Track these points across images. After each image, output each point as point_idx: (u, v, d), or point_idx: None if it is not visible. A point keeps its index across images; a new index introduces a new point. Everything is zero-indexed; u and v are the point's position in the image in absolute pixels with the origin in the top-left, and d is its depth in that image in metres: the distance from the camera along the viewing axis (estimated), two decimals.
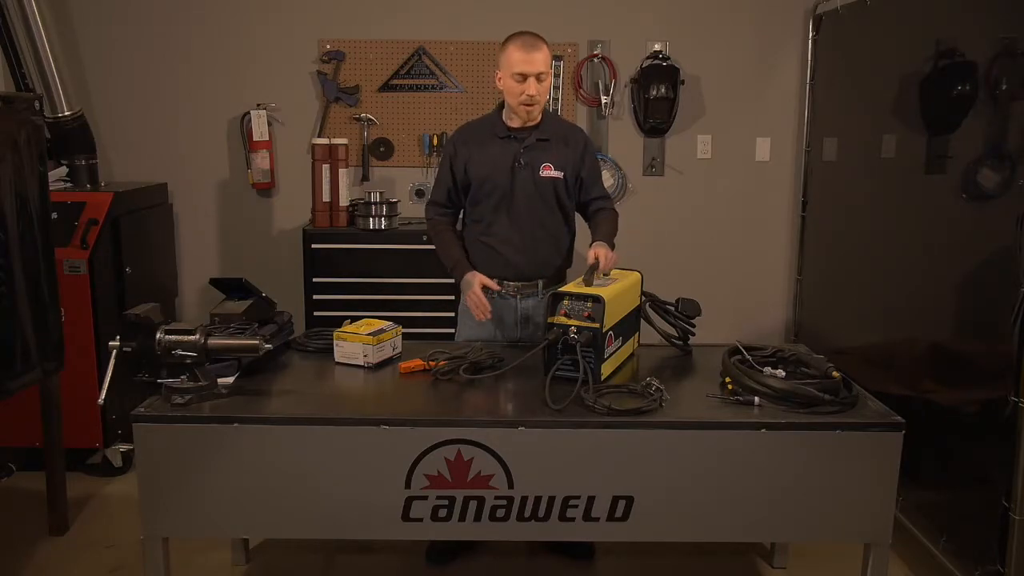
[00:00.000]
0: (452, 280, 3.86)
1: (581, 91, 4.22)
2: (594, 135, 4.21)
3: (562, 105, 4.19)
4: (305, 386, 2.45)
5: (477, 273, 2.76)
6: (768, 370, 2.31)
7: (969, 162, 2.71)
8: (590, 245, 2.70)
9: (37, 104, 3.01)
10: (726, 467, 2.18)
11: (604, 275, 2.57)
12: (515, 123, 2.78)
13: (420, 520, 2.19)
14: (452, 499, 2.17)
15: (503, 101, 2.80)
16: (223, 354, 2.32)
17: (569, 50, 4.18)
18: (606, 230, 2.80)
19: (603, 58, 4.19)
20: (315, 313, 3.87)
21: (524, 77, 2.66)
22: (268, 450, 2.17)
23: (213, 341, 2.26)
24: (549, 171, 2.77)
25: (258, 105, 4.12)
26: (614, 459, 2.17)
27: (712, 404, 2.28)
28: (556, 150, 2.79)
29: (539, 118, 2.78)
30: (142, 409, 2.20)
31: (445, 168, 2.86)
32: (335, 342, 2.56)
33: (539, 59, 2.67)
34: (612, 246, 2.71)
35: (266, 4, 4.14)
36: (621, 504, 2.18)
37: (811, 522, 2.23)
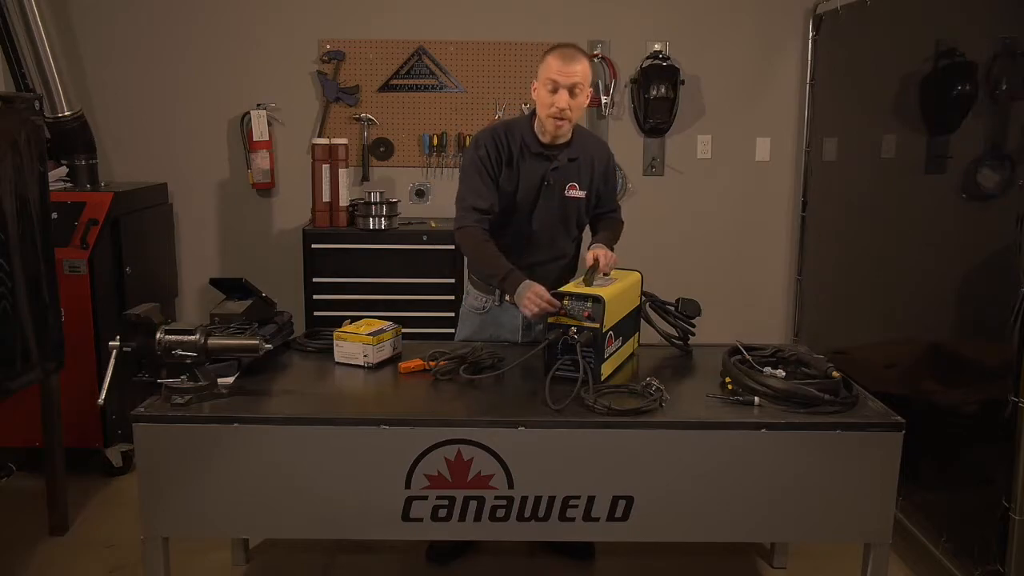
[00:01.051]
0: (451, 280, 3.90)
1: None
2: None
3: None
4: (305, 386, 2.45)
5: (532, 282, 2.47)
6: (768, 370, 2.31)
7: (969, 162, 2.70)
8: (589, 246, 2.70)
9: (37, 104, 3.00)
10: (726, 467, 2.17)
11: (604, 275, 2.57)
12: (547, 138, 2.65)
13: (420, 520, 2.19)
14: (452, 499, 2.17)
15: (535, 109, 2.65)
16: (223, 354, 2.32)
17: None
18: (607, 234, 2.80)
19: (603, 58, 4.18)
20: (315, 313, 3.88)
21: (556, 87, 2.52)
22: (268, 450, 2.17)
23: (213, 341, 2.26)
24: (574, 191, 2.71)
25: (258, 105, 4.12)
26: (614, 459, 2.17)
27: (712, 404, 2.27)
28: (583, 170, 2.72)
29: (570, 136, 2.67)
30: (142, 409, 2.20)
31: (482, 172, 2.63)
32: (335, 342, 2.56)
33: (576, 71, 2.51)
34: (611, 249, 2.71)
35: (266, 4, 4.14)
36: (621, 504, 2.18)
37: (811, 522, 2.23)
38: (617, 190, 2.91)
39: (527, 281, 2.48)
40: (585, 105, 2.61)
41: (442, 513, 2.18)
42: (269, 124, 4.16)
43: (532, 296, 2.41)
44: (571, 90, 2.53)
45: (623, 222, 2.92)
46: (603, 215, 2.88)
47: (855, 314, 3.61)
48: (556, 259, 2.78)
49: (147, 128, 4.21)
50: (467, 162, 2.70)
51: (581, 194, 2.73)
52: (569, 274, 2.83)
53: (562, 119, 2.56)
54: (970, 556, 2.57)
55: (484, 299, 2.83)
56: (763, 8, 4.19)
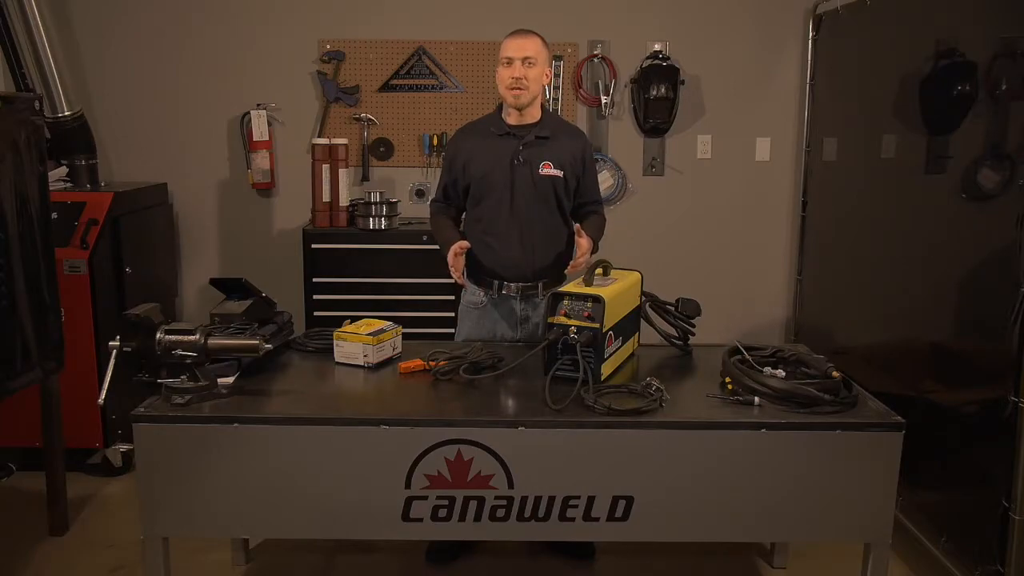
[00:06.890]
0: (452, 280, 3.90)
1: (581, 91, 4.22)
2: (594, 135, 4.21)
3: (562, 105, 4.19)
4: (305, 386, 2.45)
5: (461, 241, 2.74)
6: (768, 370, 2.31)
7: (969, 162, 2.71)
8: (577, 233, 2.71)
9: (37, 104, 3.00)
10: (726, 467, 2.17)
11: (603, 274, 2.57)
12: (513, 119, 2.78)
13: (420, 520, 2.19)
14: (452, 499, 2.17)
15: (501, 103, 2.81)
16: (223, 354, 2.32)
17: (569, 50, 4.18)
18: (593, 229, 2.81)
19: (603, 58, 4.18)
20: (315, 313, 3.88)
21: (511, 61, 2.68)
22: (268, 450, 2.17)
23: (213, 341, 2.26)
24: (549, 169, 2.76)
25: (258, 105, 4.13)
26: (614, 459, 2.17)
27: (712, 404, 2.27)
28: (556, 149, 2.78)
29: (535, 110, 2.78)
30: (142, 409, 2.20)
31: (445, 166, 2.90)
32: (335, 342, 2.56)
33: (527, 45, 2.69)
34: (596, 248, 2.75)
35: (266, 4, 4.14)
36: (621, 504, 2.18)
37: (811, 522, 2.23)
38: (601, 176, 2.98)
39: (455, 243, 2.71)
40: (542, 80, 2.75)
41: (442, 513, 2.18)
42: (269, 124, 4.16)
43: (454, 247, 2.68)
44: (524, 62, 2.68)
45: (605, 219, 2.96)
46: (588, 209, 2.91)
47: (855, 314, 3.61)
48: (548, 237, 2.82)
49: (147, 128, 4.21)
50: None
51: (557, 172, 2.77)
52: (565, 261, 2.86)
53: (519, 88, 2.69)
54: (970, 556, 2.57)
55: (481, 293, 2.85)
56: (763, 8, 4.19)
